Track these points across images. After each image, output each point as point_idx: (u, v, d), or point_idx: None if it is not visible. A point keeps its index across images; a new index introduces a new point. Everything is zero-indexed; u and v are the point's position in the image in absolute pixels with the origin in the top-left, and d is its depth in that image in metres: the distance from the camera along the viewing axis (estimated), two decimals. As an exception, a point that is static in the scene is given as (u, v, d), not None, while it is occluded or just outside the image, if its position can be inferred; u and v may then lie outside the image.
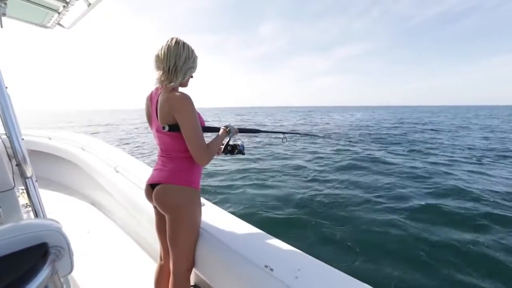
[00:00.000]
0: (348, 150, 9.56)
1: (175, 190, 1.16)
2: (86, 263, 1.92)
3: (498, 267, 2.73)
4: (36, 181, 1.23)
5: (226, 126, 1.32)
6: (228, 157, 1.53)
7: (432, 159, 7.92)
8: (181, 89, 1.21)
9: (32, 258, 0.51)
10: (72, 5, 1.58)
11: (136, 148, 11.21)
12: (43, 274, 0.50)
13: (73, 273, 1.77)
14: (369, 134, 15.20)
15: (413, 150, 9.48)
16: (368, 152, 9.01)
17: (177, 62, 1.10)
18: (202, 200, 1.63)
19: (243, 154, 1.43)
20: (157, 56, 1.12)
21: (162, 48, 1.11)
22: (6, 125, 1.01)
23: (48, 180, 3.65)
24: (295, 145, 10.62)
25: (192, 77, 1.22)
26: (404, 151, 9.39)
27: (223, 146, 1.38)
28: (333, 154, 8.96)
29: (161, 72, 1.12)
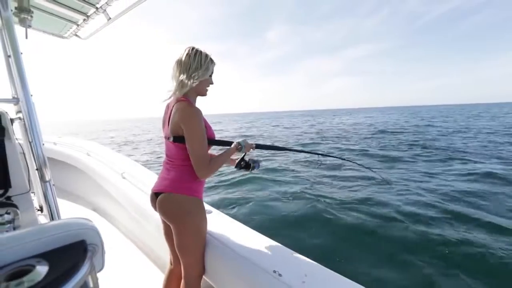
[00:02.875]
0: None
1: (177, 200, 1.18)
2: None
3: None
4: (54, 185, 1.28)
5: (239, 143, 1.30)
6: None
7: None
8: (199, 98, 1.27)
9: (75, 254, 0.56)
10: (92, 18, 1.67)
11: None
12: (84, 269, 0.55)
13: None
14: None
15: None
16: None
17: (186, 73, 1.16)
18: (209, 207, 1.67)
19: (256, 170, 1.37)
20: (173, 69, 1.20)
21: (176, 62, 1.19)
22: (30, 130, 1.07)
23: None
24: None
25: (212, 83, 1.25)
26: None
27: (238, 160, 1.37)
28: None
29: (174, 83, 1.20)
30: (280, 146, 1.51)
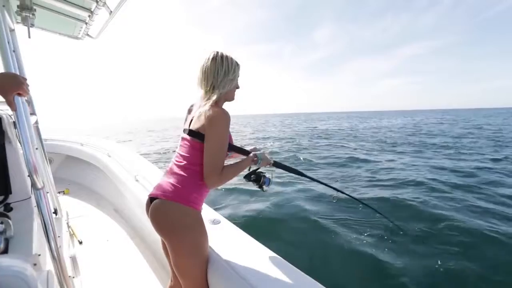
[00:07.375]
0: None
1: (171, 209, 1.04)
2: (101, 273, 1.89)
3: None
4: (48, 192, 1.19)
5: (256, 155, 1.17)
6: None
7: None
8: (226, 104, 1.20)
9: None
10: (96, 14, 1.60)
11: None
12: None
13: (85, 282, 1.74)
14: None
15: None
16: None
17: (215, 79, 1.09)
18: (217, 216, 1.51)
19: (263, 190, 1.22)
20: (198, 77, 1.13)
21: (201, 68, 1.12)
22: (19, 131, 0.97)
23: (79, 185, 3.80)
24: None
25: (238, 87, 1.19)
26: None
27: (249, 172, 1.23)
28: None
29: (203, 90, 1.13)
30: (300, 170, 1.32)
